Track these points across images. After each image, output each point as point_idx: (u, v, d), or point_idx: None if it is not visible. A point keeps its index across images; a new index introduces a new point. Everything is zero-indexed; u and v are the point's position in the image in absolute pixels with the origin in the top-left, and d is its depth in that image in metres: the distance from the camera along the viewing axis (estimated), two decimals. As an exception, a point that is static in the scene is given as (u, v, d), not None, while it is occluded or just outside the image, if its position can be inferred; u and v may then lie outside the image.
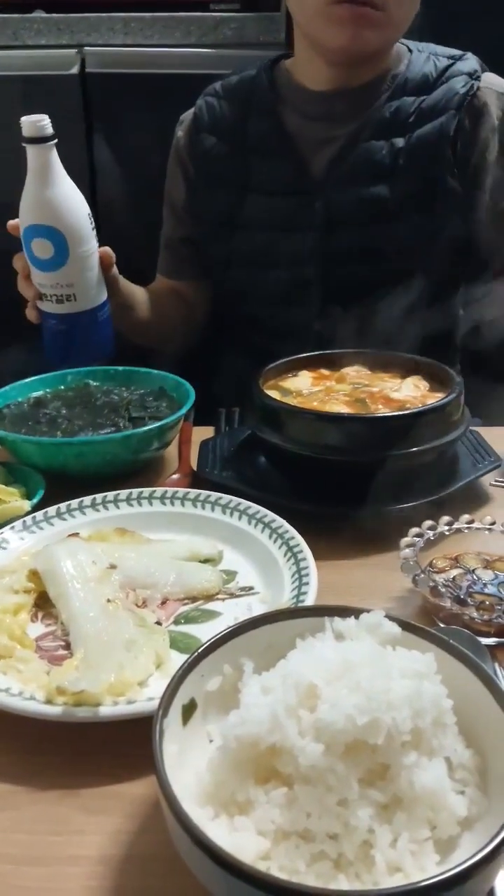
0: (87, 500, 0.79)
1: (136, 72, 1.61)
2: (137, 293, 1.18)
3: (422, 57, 1.10)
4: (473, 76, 1.07)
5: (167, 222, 1.27)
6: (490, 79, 1.08)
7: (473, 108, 1.06)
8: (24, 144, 0.94)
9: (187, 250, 1.25)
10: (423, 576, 0.64)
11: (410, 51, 1.12)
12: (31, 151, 0.95)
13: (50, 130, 0.94)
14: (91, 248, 1.00)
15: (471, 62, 1.09)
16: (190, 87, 1.23)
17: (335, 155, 1.09)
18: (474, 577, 0.66)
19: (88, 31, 1.61)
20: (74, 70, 1.63)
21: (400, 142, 1.07)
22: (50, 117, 1.11)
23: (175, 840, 0.40)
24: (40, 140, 0.94)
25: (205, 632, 0.62)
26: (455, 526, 0.72)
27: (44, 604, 0.67)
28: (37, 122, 0.93)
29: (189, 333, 1.30)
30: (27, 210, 0.97)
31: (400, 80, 1.08)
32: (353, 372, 0.95)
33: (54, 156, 0.96)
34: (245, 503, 0.78)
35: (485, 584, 0.65)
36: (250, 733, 0.43)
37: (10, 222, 0.99)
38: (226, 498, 0.79)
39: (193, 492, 0.81)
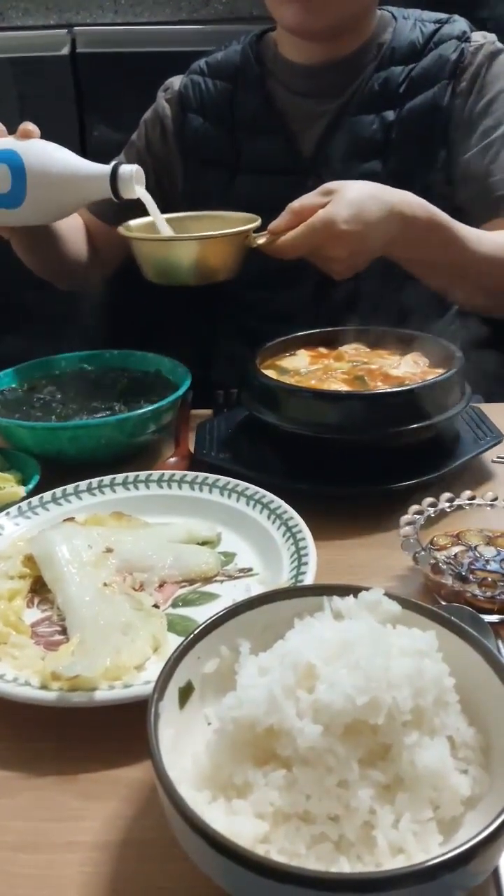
0: (82, 484, 0.78)
1: (127, 51, 1.58)
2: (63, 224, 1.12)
3: (408, 24, 1.07)
4: (463, 39, 1.04)
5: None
6: (479, 37, 1.05)
7: (467, 71, 1.03)
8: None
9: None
10: (423, 553, 0.63)
11: (395, 18, 1.09)
12: None
13: None
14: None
15: (459, 24, 1.06)
16: (182, 64, 1.20)
17: (324, 131, 1.07)
18: (476, 553, 0.65)
19: (77, 9, 1.58)
20: (65, 51, 1.61)
21: (391, 115, 1.04)
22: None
23: (171, 824, 0.39)
24: None
25: (203, 614, 0.60)
26: (456, 502, 0.70)
27: (40, 589, 0.66)
28: None
29: (87, 278, 1.23)
30: None
31: (386, 50, 1.06)
32: (352, 350, 0.94)
33: None
34: (243, 484, 0.77)
35: (487, 561, 0.64)
36: (247, 715, 0.42)
37: None
38: (223, 480, 0.78)
39: (191, 474, 0.80)
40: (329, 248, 0.86)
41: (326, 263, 0.90)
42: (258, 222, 0.92)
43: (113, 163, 0.89)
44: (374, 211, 0.86)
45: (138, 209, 0.96)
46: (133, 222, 0.97)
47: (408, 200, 0.89)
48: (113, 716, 0.51)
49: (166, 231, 0.94)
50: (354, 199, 0.85)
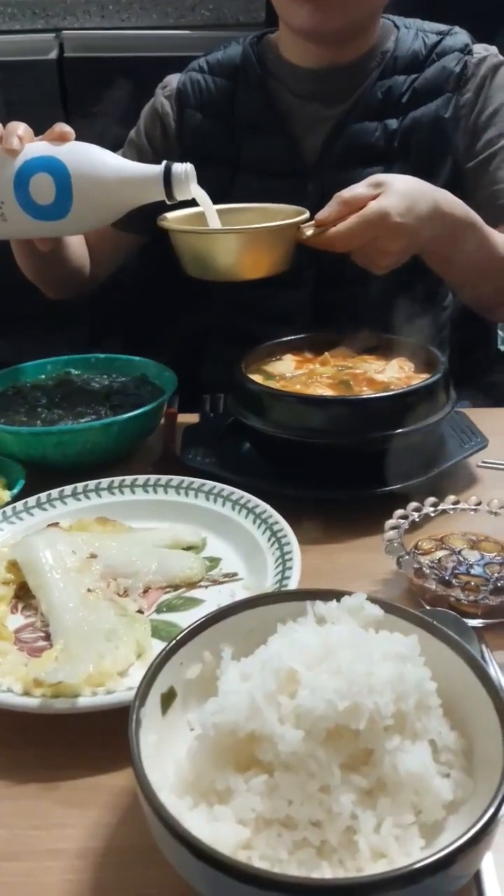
0: (67, 489, 0.78)
1: (114, 55, 1.58)
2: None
3: (410, 34, 1.08)
4: (465, 51, 1.05)
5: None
6: (481, 50, 1.06)
7: (470, 82, 1.04)
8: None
9: None
10: (407, 557, 0.63)
11: (398, 27, 1.09)
12: None
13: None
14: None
15: (461, 37, 1.07)
16: (169, 69, 1.20)
17: (327, 135, 1.07)
18: (460, 557, 0.65)
19: (64, 14, 1.58)
20: (52, 55, 1.61)
21: (393, 123, 1.05)
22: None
23: (152, 831, 0.39)
24: None
25: (187, 619, 0.60)
26: (440, 507, 0.71)
27: (24, 595, 0.66)
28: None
29: (83, 286, 1.20)
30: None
31: (389, 60, 1.06)
32: (338, 355, 0.94)
33: None
34: (228, 489, 0.77)
35: (470, 565, 0.64)
36: (228, 721, 0.42)
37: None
38: (209, 484, 0.78)
39: (176, 479, 0.80)
40: (383, 240, 0.85)
41: (374, 257, 0.88)
42: (306, 214, 0.88)
43: (164, 163, 0.84)
44: (422, 206, 0.85)
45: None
46: (170, 214, 0.92)
47: (448, 198, 0.89)
48: (96, 722, 0.51)
49: (216, 226, 0.89)
50: (406, 192, 0.84)
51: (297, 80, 1.09)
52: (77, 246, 1.13)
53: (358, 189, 0.85)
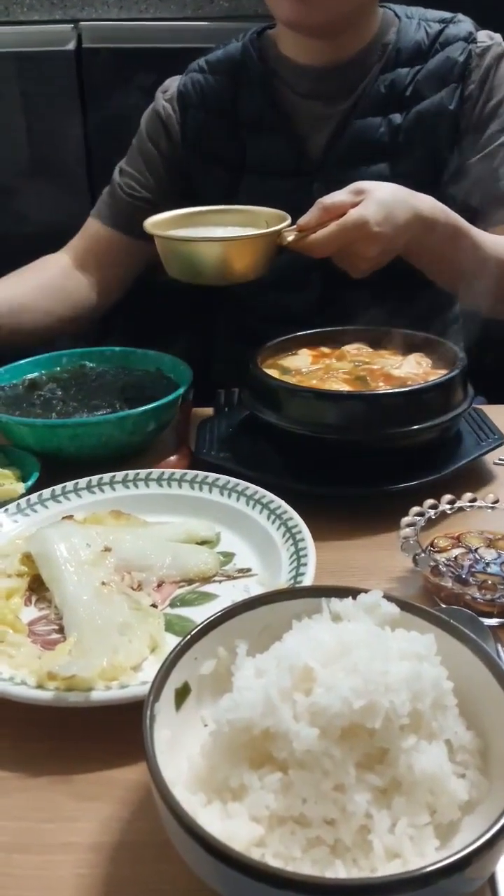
0: (82, 482, 0.78)
1: (132, 46, 1.58)
2: None
3: (412, 24, 1.06)
4: (469, 40, 1.03)
5: (130, 176, 1.18)
6: (486, 38, 1.05)
7: (475, 73, 1.02)
8: None
9: (146, 205, 1.15)
10: (423, 555, 0.63)
11: (399, 17, 1.08)
12: None
13: None
14: None
15: (464, 25, 1.05)
16: (187, 60, 1.20)
17: (331, 134, 1.06)
18: (476, 556, 0.65)
19: (82, 5, 1.58)
20: (70, 46, 1.60)
21: (398, 117, 1.03)
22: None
23: (166, 827, 0.39)
24: None
25: (201, 614, 0.60)
26: (457, 504, 0.70)
27: (38, 587, 0.66)
28: None
29: (90, 315, 1.20)
30: None
31: (391, 52, 1.05)
32: (354, 350, 0.94)
33: None
34: (243, 484, 0.76)
35: (487, 564, 0.64)
36: (243, 718, 0.41)
37: None
38: (223, 479, 0.78)
39: (191, 473, 0.79)
40: (360, 246, 0.86)
41: (352, 261, 0.89)
42: (288, 220, 0.90)
43: None
44: (400, 214, 0.87)
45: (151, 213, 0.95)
46: (157, 217, 0.94)
47: (430, 205, 0.90)
48: (109, 716, 0.51)
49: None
50: (385, 200, 0.86)
51: (298, 77, 1.07)
52: (40, 318, 1.11)
53: (339, 196, 0.87)
